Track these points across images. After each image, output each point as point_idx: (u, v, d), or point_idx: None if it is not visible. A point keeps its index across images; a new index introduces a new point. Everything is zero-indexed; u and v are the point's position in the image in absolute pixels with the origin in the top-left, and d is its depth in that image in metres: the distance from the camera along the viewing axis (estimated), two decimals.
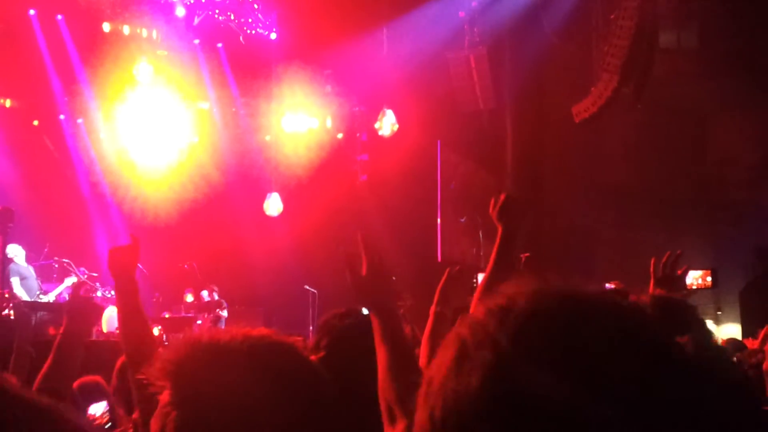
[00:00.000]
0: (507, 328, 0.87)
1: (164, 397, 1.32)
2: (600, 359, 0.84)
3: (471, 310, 2.66)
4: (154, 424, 1.32)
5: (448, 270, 3.27)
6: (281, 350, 1.39)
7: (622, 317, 0.89)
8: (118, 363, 3.86)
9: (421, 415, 0.90)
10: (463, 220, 14.47)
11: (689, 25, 13.19)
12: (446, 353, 0.91)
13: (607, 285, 6.42)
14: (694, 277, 4.02)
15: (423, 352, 2.95)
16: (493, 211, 2.79)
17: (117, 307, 2.89)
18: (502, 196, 2.78)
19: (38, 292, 11.97)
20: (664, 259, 3.64)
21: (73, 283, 11.55)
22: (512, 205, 2.77)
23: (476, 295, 2.63)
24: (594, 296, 0.92)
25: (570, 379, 0.82)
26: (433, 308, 3.12)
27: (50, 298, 11.92)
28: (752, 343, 4.98)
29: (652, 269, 3.61)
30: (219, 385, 1.30)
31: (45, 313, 10.20)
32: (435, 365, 0.92)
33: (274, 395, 1.31)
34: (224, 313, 14.10)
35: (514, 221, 2.76)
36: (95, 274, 13.06)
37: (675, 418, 0.84)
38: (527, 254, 4.48)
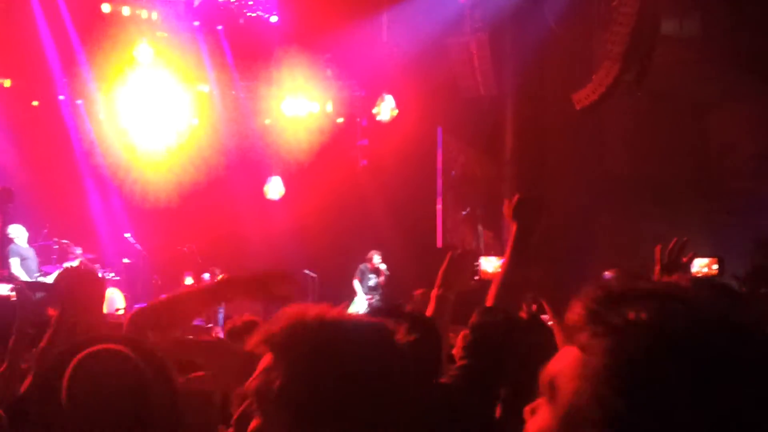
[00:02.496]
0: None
1: (266, 362, 1.44)
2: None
3: (489, 303, 2.66)
4: (252, 384, 1.44)
5: (449, 254, 3.25)
6: (378, 329, 1.51)
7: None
8: None
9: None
10: (465, 212, 14.47)
11: (692, 12, 13.15)
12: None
13: (606, 273, 6.42)
14: (701, 265, 4.03)
15: None
16: (507, 211, 2.87)
17: None
18: (516, 196, 2.85)
19: (37, 274, 11.98)
20: (670, 246, 3.63)
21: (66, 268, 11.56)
22: (526, 205, 2.85)
23: (492, 290, 2.67)
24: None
25: None
26: (434, 292, 3.12)
27: (49, 279, 11.93)
28: None
29: (657, 255, 3.60)
30: (325, 355, 1.42)
31: (44, 294, 10.21)
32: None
33: (368, 369, 1.43)
34: None
35: (529, 220, 2.83)
36: (94, 255, 13.07)
37: None
38: None
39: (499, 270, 2.77)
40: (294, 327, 1.45)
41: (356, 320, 1.55)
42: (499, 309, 2.60)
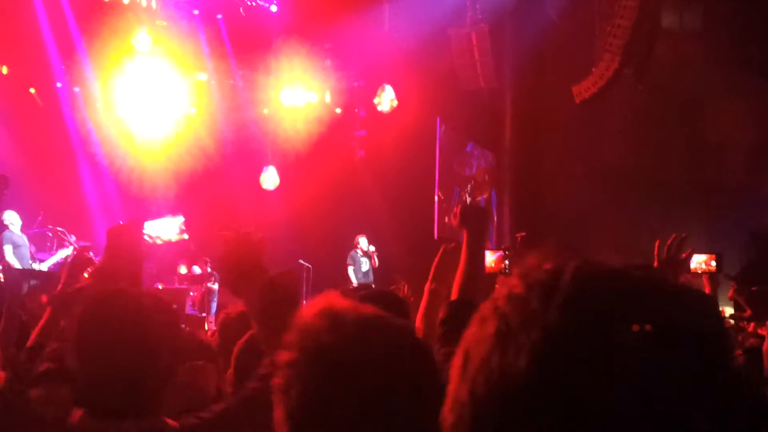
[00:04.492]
0: (554, 306, 0.82)
1: (290, 357, 1.41)
2: (662, 345, 0.80)
3: (454, 297, 2.74)
4: (277, 380, 1.41)
5: (443, 247, 3.32)
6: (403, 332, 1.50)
7: (681, 298, 0.86)
8: None
9: (461, 390, 0.87)
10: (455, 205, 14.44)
11: (693, 6, 13.11)
12: (485, 328, 0.88)
13: None
14: (699, 261, 3.98)
15: (417, 328, 3.03)
16: (454, 221, 3.09)
17: None
18: (459, 207, 3.09)
19: (31, 261, 11.94)
20: (669, 242, 3.62)
21: (68, 255, 11.53)
22: (470, 213, 3.04)
23: (455, 285, 2.84)
24: (641, 273, 0.87)
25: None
26: (427, 285, 3.17)
27: (43, 267, 11.89)
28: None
29: (656, 251, 3.59)
30: (344, 353, 1.38)
31: (37, 281, 10.17)
32: (472, 339, 0.89)
33: (389, 372, 1.39)
34: (215, 286, 14.10)
35: (476, 226, 3.01)
36: (89, 243, 13.02)
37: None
38: (523, 233, 4.49)
39: (463, 266, 2.92)
40: (314, 322, 1.42)
41: (379, 324, 1.48)
42: (463, 301, 2.76)
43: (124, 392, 2.13)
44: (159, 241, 2.74)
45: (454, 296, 2.80)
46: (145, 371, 2.15)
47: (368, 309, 1.49)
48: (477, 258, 2.96)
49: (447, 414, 0.90)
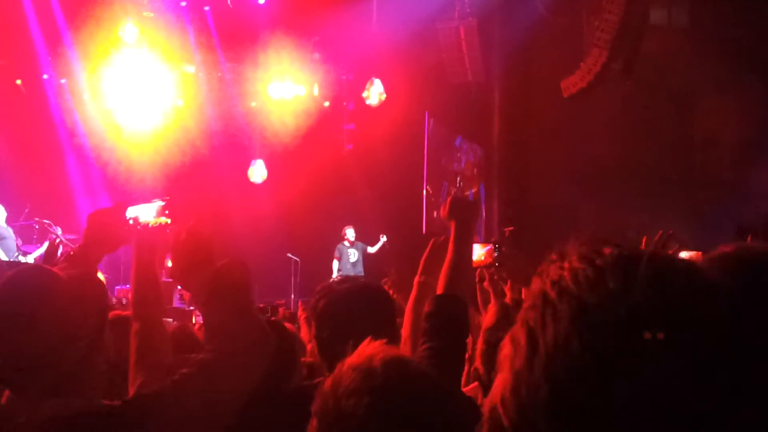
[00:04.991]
0: (638, 286, 0.86)
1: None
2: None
3: (439, 291, 2.78)
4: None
5: (433, 240, 3.32)
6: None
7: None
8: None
9: (530, 374, 0.88)
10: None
11: (680, 2, 13.14)
12: (553, 309, 0.89)
13: None
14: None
15: (406, 321, 3.04)
16: (443, 212, 3.08)
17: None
18: (449, 199, 3.08)
19: (17, 253, 11.88)
20: (656, 239, 3.65)
21: (49, 243, 11.43)
22: (458, 205, 3.05)
23: (441, 280, 2.84)
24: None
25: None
26: (417, 278, 3.17)
27: (29, 259, 11.82)
28: None
29: (643, 248, 3.60)
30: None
31: None
32: (536, 321, 0.90)
33: None
34: None
35: (463, 217, 3.02)
36: (74, 236, 12.96)
37: None
38: (511, 227, 4.51)
39: (450, 260, 2.92)
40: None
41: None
42: (449, 295, 2.77)
43: (38, 373, 2.10)
44: (138, 225, 2.67)
45: (439, 290, 2.80)
46: (59, 352, 2.12)
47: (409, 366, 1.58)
48: (464, 251, 2.96)
49: (508, 399, 0.91)
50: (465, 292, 2.94)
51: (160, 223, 2.82)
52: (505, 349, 0.92)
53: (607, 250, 0.92)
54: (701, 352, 0.82)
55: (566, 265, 0.92)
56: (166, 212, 2.83)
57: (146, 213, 2.81)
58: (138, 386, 2.49)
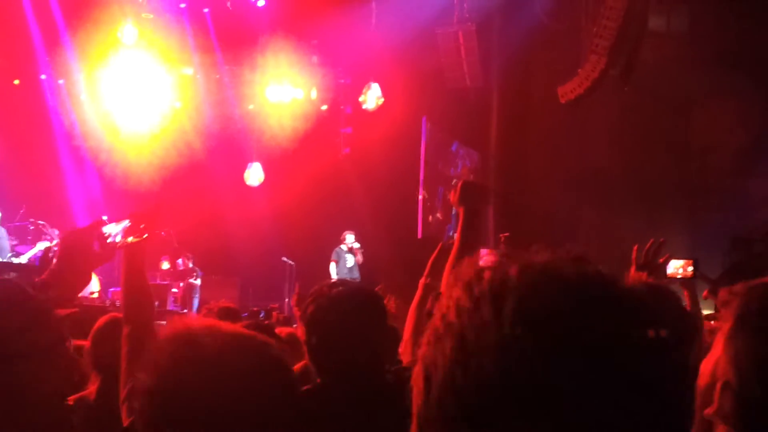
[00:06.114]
0: (505, 318, 0.84)
1: (144, 381, 1.44)
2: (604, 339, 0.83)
3: (443, 288, 2.73)
4: (135, 402, 1.45)
5: (440, 243, 3.36)
6: (255, 349, 1.48)
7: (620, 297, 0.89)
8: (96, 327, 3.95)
9: (429, 411, 0.88)
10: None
11: (679, 9, 13.14)
12: (442, 346, 0.88)
13: None
14: (676, 267, 4.01)
15: (409, 322, 3.07)
16: (453, 197, 3.03)
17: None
18: (460, 183, 3.02)
19: (10, 254, 11.86)
20: (647, 247, 3.64)
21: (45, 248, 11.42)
22: (469, 190, 3.00)
23: (446, 275, 2.82)
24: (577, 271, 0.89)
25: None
26: (422, 280, 3.20)
27: (22, 259, 11.81)
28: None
29: (634, 255, 3.61)
30: (191, 376, 1.40)
31: (16, 274, 10.10)
32: (430, 359, 0.89)
33: (242, 392, 1.41)
34: (197, 282, 14.05)
35: (473, 205, 2.98)
36: None
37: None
38: (507, 234, 4.49)
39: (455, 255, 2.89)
40: (164, 346, 1.46)
41: (233, 341, 1.49)
42: None
43: None
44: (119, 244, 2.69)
45: (443, 287, 2.76)
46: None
47: (228, 328, 1.50)
48: (471, 243, 2.90)
49: None
50: None
51: (140, 239, 2.84)
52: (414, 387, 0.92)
53: (486, 274, 0.89)
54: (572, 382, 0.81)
55: (453, 293, 0.90)
56: (141, 227, 2.86)
57: (120, 232, 2.80)
58: (129, 389, 2.48)
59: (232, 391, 1.40)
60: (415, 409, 0.90)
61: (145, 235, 2.84)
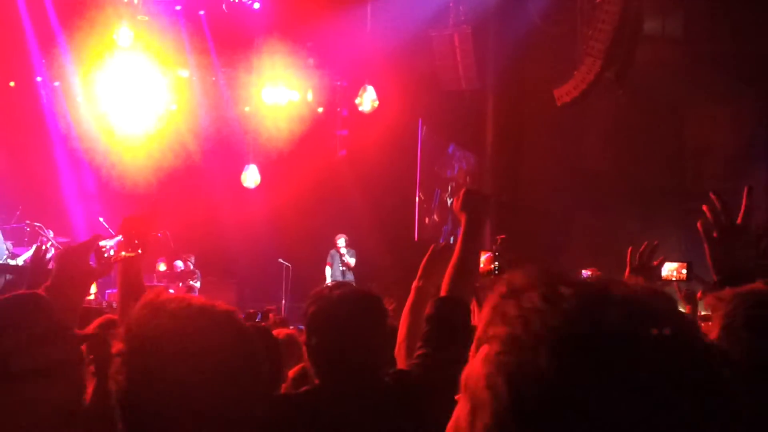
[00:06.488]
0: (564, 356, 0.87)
1: (117, 347, 1.55)
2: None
3: (443, 293, 2.73)
4: (112, 369, 1.55)
5: (432, 246, 3.33)
6: (221, 319, 1.59)
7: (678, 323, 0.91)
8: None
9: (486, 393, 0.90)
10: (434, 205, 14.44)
11: (675, 12, 13.17)
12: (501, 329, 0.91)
13: (584, 272, 6.41)
14: (670, 269, 4.03)
15: (402, 325, 3.05)
16: (456, 205, 3.03)
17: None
18: (462, 191, 3.03)
19: (6, 256, 11.85)
20: (641, 249, 3.66)
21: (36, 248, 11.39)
22: (472, 198, 3.00)
23: (445, 281, 2.80)
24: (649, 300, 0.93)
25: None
26: (415, 283, 3.18)
27: (18, 261, 11.79)
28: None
29: (628, 258, 3.64)
30: (161, 343, 1.52)
31: (12, 276, 10.09)
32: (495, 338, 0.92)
33: (205, 357, 1.52)
34: (197, 284, 14.03)
35: (476, 213, 2.97)
36: (67, 239, 12.93)
37: None
38: (503, 236, 4.50)
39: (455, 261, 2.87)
40: (138, 314, 1.59)
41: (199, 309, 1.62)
42: (453, 298, 2.73)
43: None
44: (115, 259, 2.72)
45: (443, 292, 2.76)
46: None
47: (192, 299, 1.62)
48: (472, 251, 2.91)
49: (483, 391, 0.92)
50: (469, 296, 2.91)
51: (135, 254, 2.86)
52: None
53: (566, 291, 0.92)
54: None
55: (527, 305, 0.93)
56: (136, 242, 2.88)
57: (114, 245, 2.82)
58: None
59: (193, 350, 1.51)
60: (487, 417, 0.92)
61: (139, 251, 2.87)
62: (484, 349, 0.94)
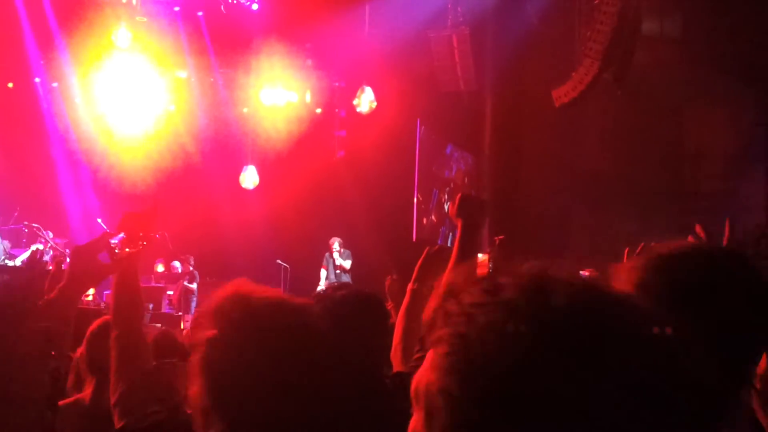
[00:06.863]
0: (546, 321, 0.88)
1: (209, 335, 1.65)
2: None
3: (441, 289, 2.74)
4: (197, 354, 1.65)
5: (427, 248, 3.35)
6: (297, 311, 1.70)
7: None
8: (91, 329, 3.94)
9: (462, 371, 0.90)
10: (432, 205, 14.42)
11: (673, 13, 13.18)
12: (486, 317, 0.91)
13: (582, 272, 6.41)
14: None
15: (398, 327, 3.06)
16: (451, 210, 3.04)
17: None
18: (458, 196, 3.03)
19: (4, 257, 11.85)
20: (637, 250, 3.66)
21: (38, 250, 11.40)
22: (468, 203, 3.01)
23: (443, 282, 2.71)
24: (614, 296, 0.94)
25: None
26: (410, 285, 3.19)
27: (16, 262, 11.79)
28: None
29: (625, 258, 3.63)
30: (242, 330, 1.63)
31: (9, 277, 10.09)
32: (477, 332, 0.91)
33: (279, 349, 1.62)
34: (194, 286, 14.03)
35: (472, 217, 2.97)
36: (65, 240, 12.93)
37: None
38: (501, 237, 4.50)
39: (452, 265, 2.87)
40: (222, 304, 1.70)
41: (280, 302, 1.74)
42: None
43: None
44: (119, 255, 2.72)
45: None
46: None
47: (272, 291, 1.73)
48: (468, 256, 2.91)
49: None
50: None
51: (138, 249, 2.85)
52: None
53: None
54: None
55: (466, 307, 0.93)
56: (141, 234, 2.88)
57: (117, 242, 2.82)
58: (119, 393, 2.50)
59: (273, 342, 1.63)
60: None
61: (144, 243, 2.86)
62: (430, 355, 0.94)
